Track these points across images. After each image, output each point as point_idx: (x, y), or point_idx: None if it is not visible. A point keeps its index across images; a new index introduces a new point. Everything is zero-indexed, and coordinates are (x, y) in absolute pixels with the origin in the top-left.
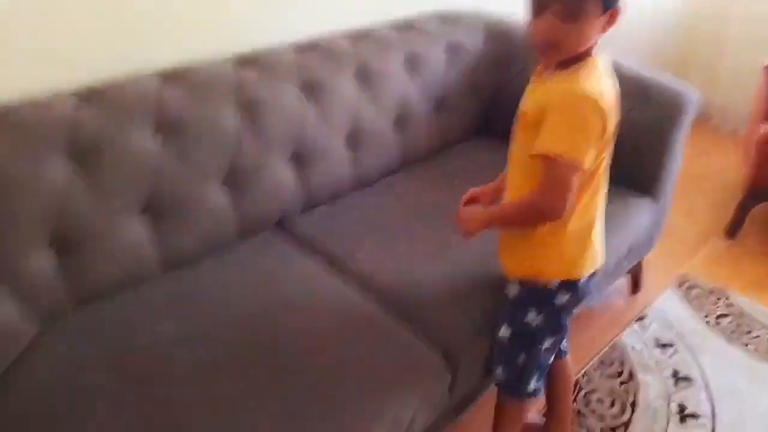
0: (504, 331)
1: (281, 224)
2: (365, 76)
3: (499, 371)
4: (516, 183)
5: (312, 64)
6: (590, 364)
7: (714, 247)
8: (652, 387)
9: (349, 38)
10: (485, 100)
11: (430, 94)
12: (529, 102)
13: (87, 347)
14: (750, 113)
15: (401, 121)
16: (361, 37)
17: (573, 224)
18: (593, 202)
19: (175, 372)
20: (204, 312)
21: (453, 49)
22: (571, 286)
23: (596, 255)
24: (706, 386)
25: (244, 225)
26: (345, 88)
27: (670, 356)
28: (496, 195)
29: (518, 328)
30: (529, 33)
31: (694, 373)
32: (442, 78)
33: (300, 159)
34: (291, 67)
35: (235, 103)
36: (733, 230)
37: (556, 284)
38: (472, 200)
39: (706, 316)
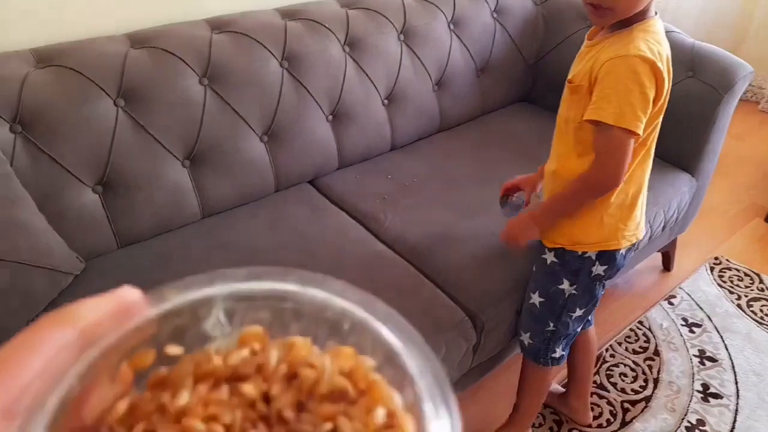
0: (535, 298)
1: (316, 180)
2: (410, 35)
3: (526, 337)
4: (560, 151)
5: (357, 20)
6: (616, 338)
7: (753, 230)
8: (676, 365)
9: None
10: (530, 66)
11: (475, 57)
12: (578, 66)
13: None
14: None
15: (443, 83)
16: None
17: (617, 194)
18: (639, 172)
19: None
20: (236, 255)
21: (500, 12)
22: (608, 256)
23: (637, 227)
24: (732, 367)
25: (281, 178)
26: (388, 46)
27: (698, 336)
28: (534, 185)
29: (551, 295)
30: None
31: (721, 354)
32: (488, 41)
33: (338, 116)
34: (336, 23)
35: (279, 54)
36: None
37: (594, 254)
38: (512, 188)
39: (738, 299)
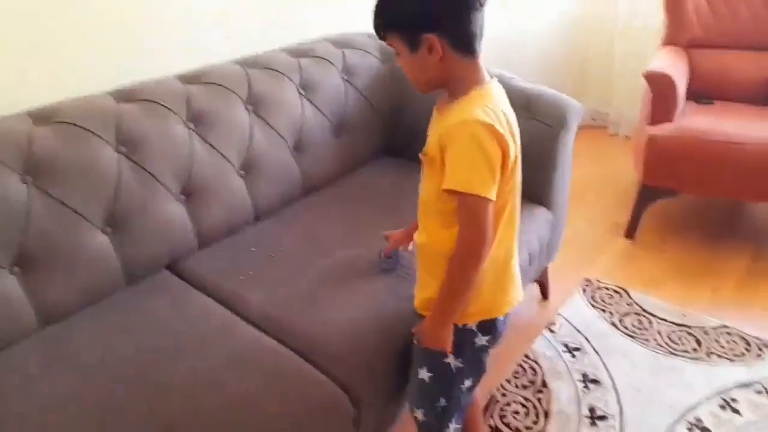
0: (423, 374)
1: (173, 266)
2: (258, 104)
3: (419, 413)
4: (426, 223)
5: (199, 94)
6: (505, 376)
7: (615, 248)
8: (563, 393)
9: (239, 64)
10: (386, 121)
11: (329, 117)
12: (430, 139)
13: None
14: (638, 119)
15: (300, 146)
16: (251, 64)
17: (489, 263)
18: (506, 236)
19: None
20: (84, 368)
21: (348, 72)
22: (489, 325)
23: (516, 290)
24: (614, 386)
25: (130, 270)
26: (237, 117)
27: (579, 360)
28: (409, 239)
29: (438, 370)
30: None
31: (602, 375)
32: (341, 101)
33: (191, 193)
34: (177, 98)
35: (114, 137)
36: (631, 230)
37: (475, 325)
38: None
39: (611, 316)
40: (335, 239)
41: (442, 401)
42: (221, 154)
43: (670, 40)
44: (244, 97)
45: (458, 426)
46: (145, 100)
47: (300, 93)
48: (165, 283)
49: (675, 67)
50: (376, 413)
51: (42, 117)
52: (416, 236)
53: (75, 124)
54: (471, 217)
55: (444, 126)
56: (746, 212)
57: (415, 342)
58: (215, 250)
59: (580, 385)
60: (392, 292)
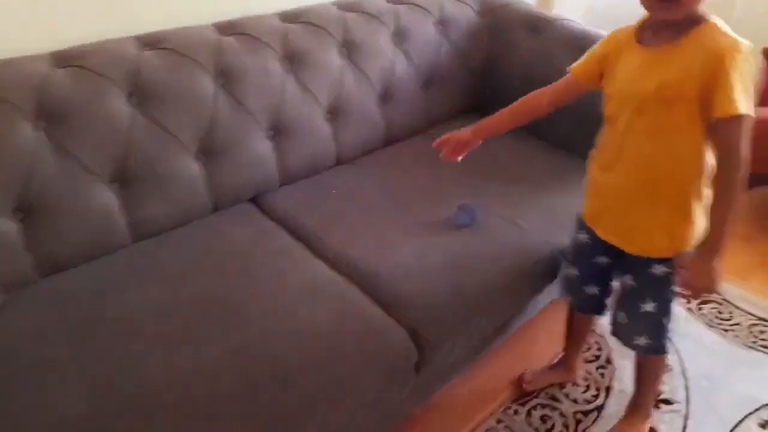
0: (648, 306)
1: (256, 199)
2: (351, 48)
3: (642, 340)
4: (652, 161)
5: (296, 33)
6: None
7: None
8: (627, 371)
9: (337, 7)
10: (477, 77)
11: (419, 69)
12: (661, 73)
13: (51, 318)
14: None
15: (387, 96)
16: (350, 7)
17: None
18: None
19: (137, 345)
20: (172, 283)
21: (443, 23)
22: None
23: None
24: (683, 372)
25: (218, 197)
26: (329, 60)
27: None
28: (477, 139)
29: (666, 299)
30: None
31: (672, 359)
32: (432, 53)
33: (278, 132)
34: (273, 36)
35: (213, 69)
36: None
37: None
38: (445, 144)
39: (689, 302)
40: (413, 193)
41: (667, 320)
42: (312, 94)
43: None
44: (339, 40)
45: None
46: (245, 34)
47: (393, 41)
48: (249, 214)
49: None
50: (439, 361)
51: (150, 42)
52: (616, 178)
53: (179, 52)
54: (738, 139)
55: (696, 54)
56: None
57: (632, 284)
58: (297, 189)
59: None
60: (465, 245)
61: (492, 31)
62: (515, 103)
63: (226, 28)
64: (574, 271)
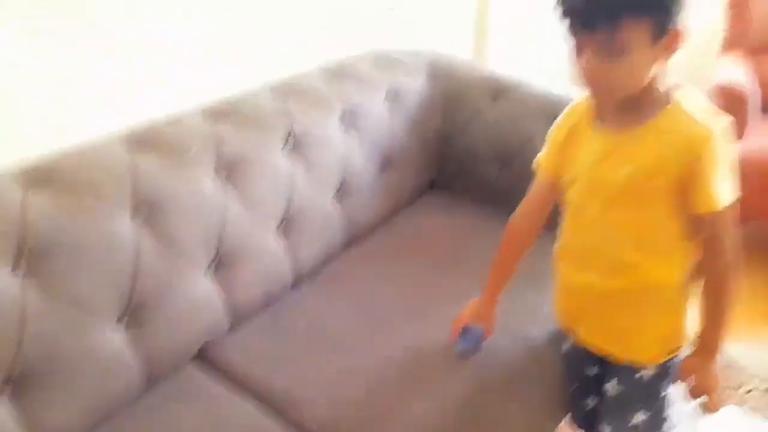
0: (638, 418)
1: (204, 354)
2: (297, 143)
3: None
4: (622, 259)
5: (228, 135)
6: None
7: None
8: None
9: (273, 93)
10: (437, 150)
11: (374, 152)
12: (630, 162)
13: None
14: None
15: (344, 190)
16: (287, 91)
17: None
18: None
19: None
20: None
21: (394, 97)
22: None
23: None
24: None
25: (153, 368)
26: (273, 161)
27: None
28: (490, 312)
29: (658, 410)
30: (577, 74)
31: None
32: (386, 131)
33: (221, 263)
34: (201, 143)
35: (130, 203)
36: None
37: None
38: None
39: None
40: (393, 307)
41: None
42: (258, 207)
43: (733, 45)
44: (283, 136)
45: None
46: (164, 147)
47: (343, 125)
48: (195, 382)
49: (745, 77)
50: None
51: (37, 179)
52: (583, 279)
53: (77, 189)
54: (724, 234)
55: (674, 144)
56: None
57: (618, 391)
58: (253, 331)
59: None
60: (484, 384)
61: (447, 100)
62: (503, 249)
63: (140, 142)
64: (571, 385)
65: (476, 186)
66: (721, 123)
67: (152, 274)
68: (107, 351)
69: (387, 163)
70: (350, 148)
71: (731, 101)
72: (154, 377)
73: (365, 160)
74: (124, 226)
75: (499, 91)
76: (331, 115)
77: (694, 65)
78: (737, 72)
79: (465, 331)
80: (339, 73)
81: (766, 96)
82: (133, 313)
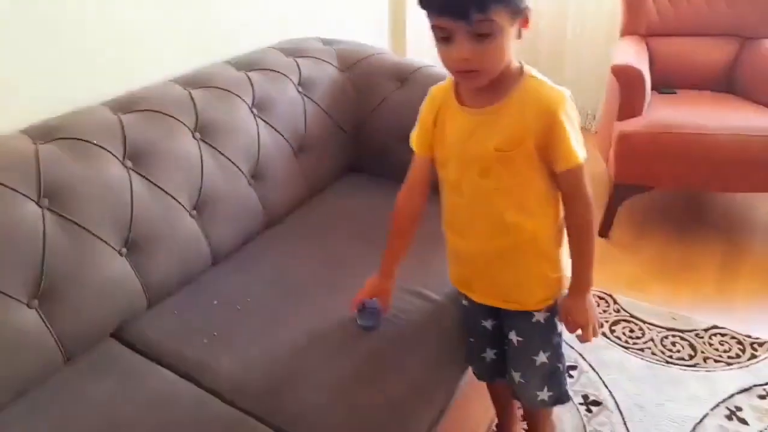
0: (541, 357)
1: (120, 332)
2: (206, 131)
3: (544, 394)
4: (508, 222)
5: (134, 125)
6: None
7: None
8: (567, 421)
9: (179, 84)
10: (349, 135)
11: (288, 137)
12: (497, 134)
13: None
14: (602, 111)
15: (258, 174)
16: (194, 82)
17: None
18: None
19: None
20: None
21: (305, 85)
22: None
23: None
24: (617, 406)
25: (70, 344)
26: (182, 149)
27: (577, 380)
28: (389, 289)
29: (555, 345)
30: (444, 60)
31: (603, 395)
32: (298, 117)
33: (135, 245)
34: (111, 132)
35: (34, 193)
36: (605, 229)
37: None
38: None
39: (602, 326)
40: (308, 280)
41: (560, 368)
42: (167, 193)
43: (629, 30)
44: (190, 125)
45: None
46: (69, 138)
47: (253, 113)
48: (111, 356)
49: (640, 58)
50: None
51: None
52: (469, 245)
53: None
54: (583, 184)
55: (527, 114)
56: (714, 202)
57: (518, 339)
58: (169, 308)
59: (582, 409)
60: (385, 343)
61: (357, 86)
62: (394, 226)
63: (43, 133)
64: (469, 339)
65: (389, 167)
66: (567, 91)
67: (61, 255)
68: (18, 328)
69: (302, 148)
70: (262, 134)
71: (628, 80)
72: (69, 354)
73: (279, 146)
74: (30, 212)
75: (404, 75)
76: (240, 103)
77: (599, 51)
78: (633, 53)
79: (363, 307)
80: (247, 63)
81: (657, 75)
82: (45, 293)
